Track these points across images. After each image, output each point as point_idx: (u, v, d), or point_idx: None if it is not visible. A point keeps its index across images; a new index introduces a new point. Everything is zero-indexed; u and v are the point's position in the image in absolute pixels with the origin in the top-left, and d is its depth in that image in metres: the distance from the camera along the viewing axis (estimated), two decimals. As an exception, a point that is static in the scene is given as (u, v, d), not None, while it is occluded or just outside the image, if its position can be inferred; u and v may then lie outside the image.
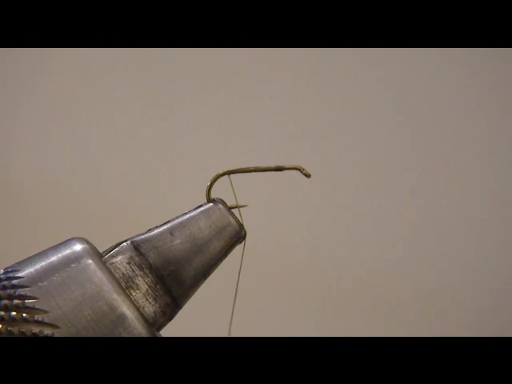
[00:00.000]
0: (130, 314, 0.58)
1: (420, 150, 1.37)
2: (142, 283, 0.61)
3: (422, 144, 1.37)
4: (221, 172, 0.65)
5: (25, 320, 0.56)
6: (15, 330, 0.56)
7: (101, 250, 0.62)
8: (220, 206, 0.64)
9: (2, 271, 0.59)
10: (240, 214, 0.65)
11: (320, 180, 1.35)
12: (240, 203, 0.65)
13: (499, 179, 1.36)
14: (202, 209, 0.64)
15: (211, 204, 0.64)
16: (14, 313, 0.57)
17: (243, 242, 0.65)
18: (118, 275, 0.61)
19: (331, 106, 1.37)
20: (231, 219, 0.64)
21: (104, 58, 1.37)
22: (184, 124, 1.38)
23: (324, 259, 1.36)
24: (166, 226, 0.63)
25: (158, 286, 0.61)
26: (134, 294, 0.61)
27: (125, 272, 0.61)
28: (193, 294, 0.63)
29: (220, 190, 0.66)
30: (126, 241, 0.62)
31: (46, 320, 0.56)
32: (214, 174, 0.65)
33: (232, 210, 0.64)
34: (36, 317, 0.56)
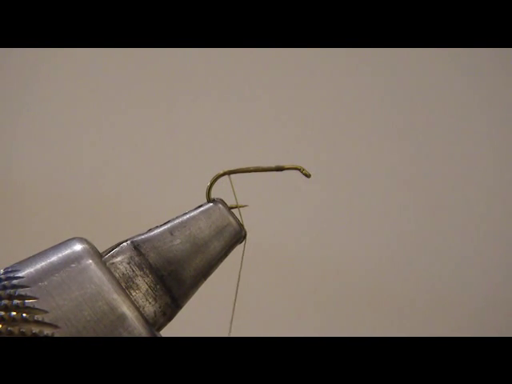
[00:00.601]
0: (130, 314, 0.58)
1: (420, 150, 1.37)
2: (142, 283, 0.61)
3: (421, 144, 1.37)
4: (221, 172, 0.65)
5: (25, 320, 0.56)
6: (15, 329, 0.56)
7: (101, 250, 0.62)
8: (220, 206, 0.64)
9: (2, 271, 0.59)
10: (240, 214, 0.65)
11: (320, 180, 1.35)
12: (240, 203, 0.65)
13: (499, 179, 1.36)
14: (202, 209, 0.64)
15: (211, 204, 0.64)
16: (14, 313, 0.57)
17: (243, 242, 0.65)
18: (117, 275, 0.61)
19: (331, 105, 1.37)
20: (231, 219, 0.64)
21: (104, 58, 1.37)
22: (184, 124, 1.38)
23: (324, 259, 1.36)
24: (166, 226, 0.63)
25: (158, 286, 0.61)
26: (133, 293, 0.61)
27: (125, 272, 0.61)
28: (193, 294, 0.63)
29: (220, 190, 0.66)
30: (126, 241, 0.62)
31: (46, 320, 0.56)
32: (213, 174, 0.65)
33: (232, 210, 0.64)
34: (36, 317, 0.56)
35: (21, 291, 0.57)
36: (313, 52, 1.35)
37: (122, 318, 0.58)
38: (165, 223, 0.63)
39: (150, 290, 0.61)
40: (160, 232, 0.63)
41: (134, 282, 0.61)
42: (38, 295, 0.57)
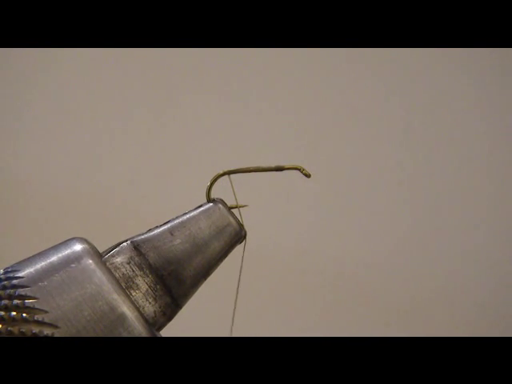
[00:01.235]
0: (129, 314, 0.58)
1: (420, 150, 1.37)
2: (142, 283, 0.61)
3: (422, 144, 1.37)
4: (221, 172, 0.65)
5: (25, 320, 0.56)
6: (15, 329, 0.56)
7: (101, 250, 0.62)
8: (220, 206, 0.64)
9: (1, 271, 0.59)
10: (240, 214, 0.65)
11: (320, 180, 1.35)
12: (240, 203, 0.65)
13: (499, 179, 1.36)
14: (202, 209, 0.64)
15: (211, 204, 0.64)
16: (14, 313, 0.57)
17: (244, 242, 0.65)
18: (118, 275, 0.61)
19: (331, 105, 1.37)
20: (231, 219, 0.64)
21: (104, 58, 1.37)
22: (184, 124, 1.38)
23: (324, 259, 1.36)
24: (166, 226, 0.63)
25: (158, 286, 0.61)
26: (134, 293, 0.61)
27: (125, 272, 0.61)
28: (193, 294, 0.63)
29: (220, 190, 0.66)
30: (126, 241, 0.62)
31: (46, 320, 0.56)
32: (213, 174, 0.65)
33: (232, 210, 0.64)
34: (36, 317, 0.56)
35: (21, 291, 0.57)
36: (313, 52, 1.35)
37: (121, 317, 0.58)
38: (165, 223, 0.63)
39: (150, 290, 0.61)
40: (160, 232, 0.63)
41: (134, 282, 0.61)
42: (38, 295, 0.57)
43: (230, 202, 0.65)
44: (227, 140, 1.37)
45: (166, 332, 0.62)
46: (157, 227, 0.63)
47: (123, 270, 0.61)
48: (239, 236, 0.64)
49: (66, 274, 0.58)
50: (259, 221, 1.30)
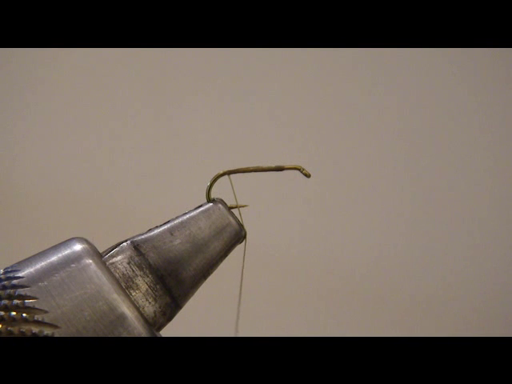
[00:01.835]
0: (129, 314, 0.58)
1: (420, 151, 1.37)
2: (142, 283, 0.61)
3: (421, 144, 1.37)
4: (221, 172, 0.65)
5: (25, 320, 0.56)
6: (15, 330, 0.56)
7: (101, 250, 0.62)
8: (220, 206, 0.64)
9: (1, 271, 0.59)
10: (240, 214, 0.65)
11: (320, 180, 1.35)
12: (240, 203, 0.65)
13: (499, 179, 1.36)
14: (202, 209, 0.64)
15: (211, 204, 0.64)
16: (13, 313, 0.57)
17: (244, 243, 0.65)
18: (117, 275, 0.61)
19: (331, 105, 1.37)
20: (231, 219, 0.64)
21: (104, 58, 1.37)
22: (184, 124, 1.38)
23: (324, 259, 1.36)
24: (165, 226, 0.63)
25: (157, 286, 0.61)
26: (133, 293, 0.61)
27: (125, 272, 0.61)
28: (193, 294, 0.63)
29: (220, 190, 0.66)
30: (126, 241, 0.63)
31: (46, 320, 0.56)
32: (213, 174, 0.65)
33: (232, 210, 0.64)
34: (36, 317, 0.56)
35: (21, 291, 0.57)
36: (313, 52, 1.35)
37: (121, 317, 0.58)
38: (165, 223, 0.64)
39: (149, 290, 0.61)
40: (160, 232, 0.63)
41: (133, 282, 0.61)
42: (38, 295, 0.57)
43: (229, 202, 0.65)
44: (227, 140, 1.37)
45: (166, 332, 0.62)
46: (157, 227, 0.63)
47: (123, 270, 0.61)
48: (239, 236, 0.64)
49: (65, 273, 0.58)
50: (259, 221, 1.30)
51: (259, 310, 1.34)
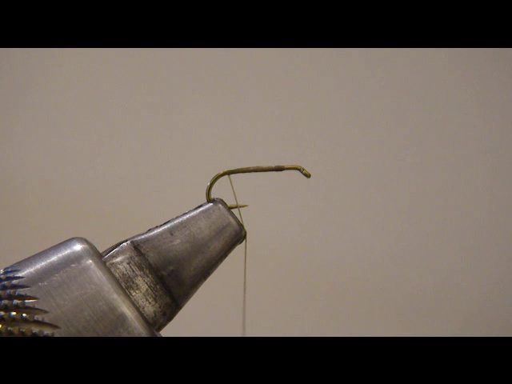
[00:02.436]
0: (129, 314, 0.58)
1: (419, 151, 1.37)
2: (142, 283, 0.61)
3: (421, 144, 1.37)
4: (221, 172, 0.65)
5: (25, 320, 0.56)
6: (15, 330, 0.56)
7: (101, 250, 0.62)
8: (220, 206, 0.64)
9: (1, 271, 0.59)
10: (240, 214, 0.65)
11: (320, 180, 1.35)
12: (240, 203, 0.65)
13: (499, 179, 1.36)
14: (201, 209, 0.64)
15: (211, 204, 0.64)
16: (13, 313, 0.57)
17: (245, 243, 0.65)
18: (117, 275, 0.61)
19: (331, 105, 1.37)
20: (231, 219, 0.64)
21: (104, 58, 1.37)
22: (184, 124, 1.38)
23: (324, 259, 1.36)
24: (165, 226, 0.63)
25: (157, 286, 0.61)
26: (133, 294, 0.61)
27: (125, 272, 0.61)
28: (193, 294, 0.63)
29: (220, 190, 0.66)
30: (126, 241, 0.62)
31: (46, 320, 0.56)
32: (213, 174, 0.65)
33: (232, 210, 0.64)
34: (36, 317, 0.56)
35: (21, 291, 0.57)
36: (313, 52, 1.35)
37: (121, 317, 0.58)
38: (165, 223, 0.63)
39: (149, 290, 0.61)
40: (160, 232, 0.63)
41: (133, 282, 0.61)
42: (38, 295, 0.57)
43: (229, 202, 0.65)
44: (227, 140, 1.37)
45: (166, 332, 0.62)
46: (157, 227, 0.63)
47: (123, 269, 0.61)
48: (239, 236, 0.64)
49: (65, 274, 0.58)
50: (259, 221, 1.30)
51: (259, 310, 1.34)
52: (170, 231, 0.63)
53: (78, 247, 0.60)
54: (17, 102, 1.38)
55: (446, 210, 1.36)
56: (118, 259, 0.61)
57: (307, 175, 0.66)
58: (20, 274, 0.58)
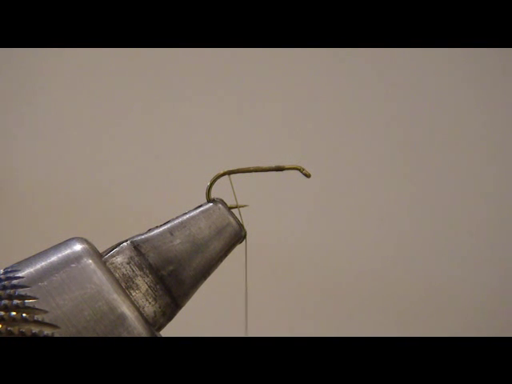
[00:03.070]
0: (129, 314, 0.58)
1: (419, 151, 1.37)
2: (142, 283, 0.61)
3: (421, 144, 1.37)
4: (221, 172, 0.65)
5: (25, 320, 0.56)
6: (15, 330, 0.56)
7: (101, 250, 0.62)
8: (220, 205, 0.64)
9: (1, 271, 0.59)
10: (240, 214, 0.65)
11: (320, 180, 1.35)
12: (240, 203, 0.65)
13: (499, 179, 1.36)
14: (201, 209, 0.64)
15: (211, 204, 0.64)
16: (13, 313, 0.57)
17: (245, 243, 0.65)
18: (117, 275, 0.61)
19: (331, 105, 1.37)
20: (231, 219, 0.64)
21: (104, 58, 1.37)
22: (184, 124, 1.38)
23: (324, 259, 1.36)
24: (166, 226, 0.63)
25: (157, 286, 0.61)
26: (133, 294, 0.61)
27: (125, 272, 0.61)
28: (193, 294, 0.63)
29: (220, 190, 0.66)
30: (126, 241, 0.62)
31: (46, 320, 0.56)
32: (214, 174, 0.65)
33: (232, 210, 0.64)
34: (36, 317, 0.56)
35: (21, 291, 0.57)
36: (313, 52, 1.35)
37: (121, 317, 0.58)
38: (165, 223, 0.64)
39: (149, 290, 0.61)
40: (160, 232, 0.63)
41: (133, 282, 0.61)
42: (38, 295, 0.57)
43: (229, 202, 0.65)
44: (227, 140, 1.37)
45: (166, 332, 0.62)
46: (157, 227, 0.63)
47: (123, 269, 0.61)
48: (239, 236, 0.64)
49: (65, 274, 0.58)
50: (259, 221, 1.30)
51: (259, 310, 1.34)
52: (170, 231, 0.63)
53: (77, 247, 0.60)
54: (17, 101, 1.38)
55: (445, 208, 1.36)
56: (118, 259, 0.61)
57: (307, 175, 0.66)
58: (20, 274, 0.58)
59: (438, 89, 1.37)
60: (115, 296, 0.58)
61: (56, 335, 0.56)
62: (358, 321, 1.35)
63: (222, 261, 0.64)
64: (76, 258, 0.59)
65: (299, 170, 0.66)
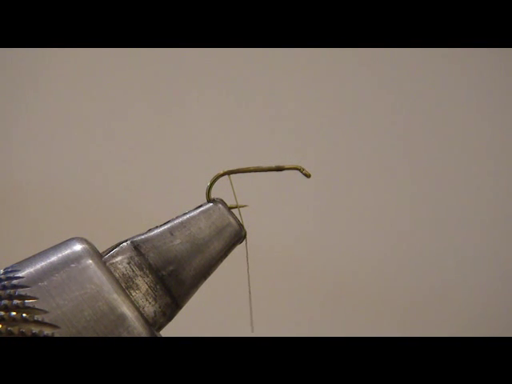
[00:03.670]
0: (129, 314, 0.58)
1: (420, 151, 1.37)
2: (142, 283, 0.61)
3: (421, 145, 1.37)
4: (221, 172, 0.65)
5: (25, 320, 0.56)
6: (15, 330, 0.56)
7: (101, 250, 0.62)
8: (220, 206, 0.64)
9: (1, 271, 0.59)
10: (240, 214, 0.65)
11: (320, 180, 1.35)
12: (240, 203, 0.65)
13: (498, 179, 1.36)
14: (202, 209, 0.64)
15: (211, 204, 0.64)
16: (13, 313, 0.57)
17: (246, 243, 0.65)
18: (117, 275, 0.61)
19: (331, 105, 1.37)
20: (231, 219, 0.64)
21: (104, 58, 1.37)
22: (184, 124, 1.38)
23: (324, 259, 1.36)
24: (166, 226, 0.63)
25: (157, 286, 0.61)
26: (133, 294, 0.61)
27: (125, 272, 0.61)
28: (193, 294, 0.63)
29: (220, 190, 0.66)
30: (126, 241, 0.62)
31: (46, 320, 0.56)
32: (213, 174, 0.65)
33: (232, 210, 0.64)
34: (36, 317, 0.56)
35: (21, 291, 0.57)
36: (313, 52, 1.35)
37: (121, 317, 0.58)
38: (165, 223, 0.63)
39: (149, 290, 0.61)
40: (160, 232, 0.63)
41: (133, 282, 0.61)
42: (38, 295, 0.57)
43: (229, 202, 0.65)
44: (227, 140, 1.37)
45: (166, 332, 0.62)
46: (157, 227, 0.63)
47: (123, 270, 0.61)
48: (239, 236, 0.64)
49: (65, 274, 0.58)
50: (259, 221, 1.30)
51: (259, 310, 1.34)
52: (170, 231, 0.63)
53: (77, 247, 0.60)
54: (17, 101, 1.38)
55: (445, 208, 1.36)
56: (118, 259, 0.61)
57: (307, 175, 0.66)
58: (20, 274, 0.58)
59: (438, 89, 1.37)
60: (115, 296, 0.58)
61: (56, 335, 0.56)
62: (358, 321, 1.35)
63: (222, 261, 0.64)
64: (76, 258, 0.59)
65: (299, 169, 0.66)
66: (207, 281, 0.64)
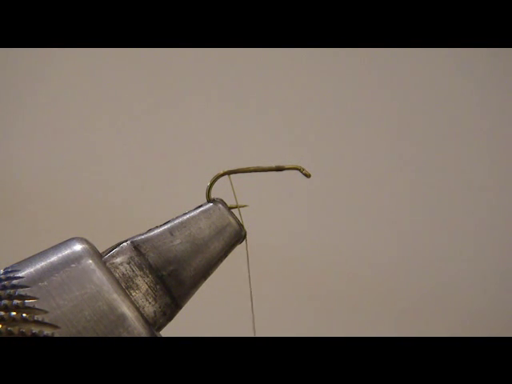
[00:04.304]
0: (129, 314, 0.58)
1: (420, 151, 1.37)
2: (142, 283, 0.61)
3: (421, 144, 1.37)
4: (221, 172, 0.65)
5: (25, 320, 0.56)
6: (15, 330, 0.56)
7: (101, 250, 0.62)
8: (220, 206, 0.64)
9: (1, 271, 0.59)
10: (240, 214, 0.65)
11: (320, 180, 1.35)
12: (240, 203, 0.65)
13: (498, 179, 1.36)
14: (202, 209, 0.64)
15: (211, 204, 0.64)
16: (13, 313, 0.57)
17: (246, 243, 0.65)
18: (117, 275, 0.61)
19: (331, 106, 1.37)
20: (231, 219, 0.64)
21: (104, 58, 1.37)
22: (184, 124, 1.38)
23: (324, 258, 1.36)
24: (166, 226, 0.63)
25: (157, 286, 0.61)
26: (133, 294, 0.61)
27: (125, 272, 0.61)
28: (193, 294, 0.63)
29: (220, 190, 0.66)
30: (126, 241, 0.62)
31: (46, 320, 0.56)
32: (213, 174, 0.65)
33: (232, 210, 0.64)
34: (36, 317, 0.56)
35: (21, 291, 0.57)
36: (312, 52, 1.35)
37: (121, 318, 0.58)
38: (165, 223, 0.63)
39: (149, 290, 0.61)
40: (160, 232, 0.63)
41: (133, 282, 0.61)
42: (38, 295, 0.57)
43: (229, 202, 0.65)
44: (227, 140, 1.37)
45: (166, 332, 0.62)
46: (157, 227, 0.63)
47: (123, 270, 0.61)
48: (239, 236, 0.64)
49: (65, 274, 0.58)
50: (259, 221, 1.30)
51: (258, 310, 1.34)
52: (170, 231, 0.63)
53: (77, 247, 0.60)
54: (17, 101, 1.38)
55: (446, 208, 1.36)
56: (118, 259, 0.61)
57: (307, 175, 0.66)
58: (20, 274, 0.58)
59: (438, 89, 1.37)
60: (115, 296, 0.58)
61: (56, 335, 0.56)
62: (357, 321, 1.35)
63: (222, 261, 0.64)
64: (76, 258, 0.59)
65: (299, 169, 0.66)
66: (207, 281, 0.64)
